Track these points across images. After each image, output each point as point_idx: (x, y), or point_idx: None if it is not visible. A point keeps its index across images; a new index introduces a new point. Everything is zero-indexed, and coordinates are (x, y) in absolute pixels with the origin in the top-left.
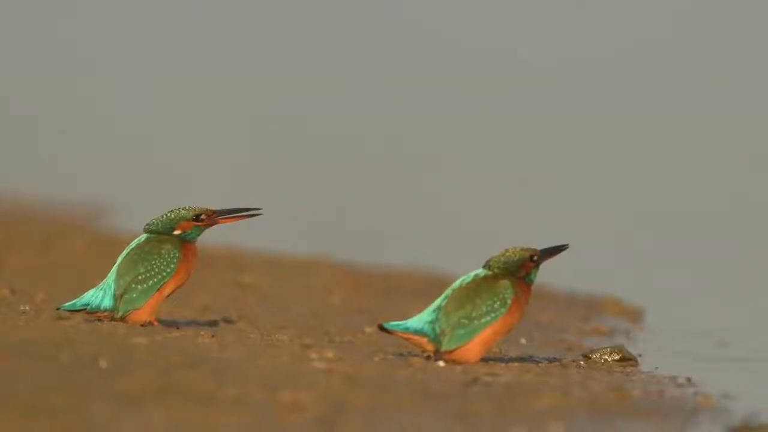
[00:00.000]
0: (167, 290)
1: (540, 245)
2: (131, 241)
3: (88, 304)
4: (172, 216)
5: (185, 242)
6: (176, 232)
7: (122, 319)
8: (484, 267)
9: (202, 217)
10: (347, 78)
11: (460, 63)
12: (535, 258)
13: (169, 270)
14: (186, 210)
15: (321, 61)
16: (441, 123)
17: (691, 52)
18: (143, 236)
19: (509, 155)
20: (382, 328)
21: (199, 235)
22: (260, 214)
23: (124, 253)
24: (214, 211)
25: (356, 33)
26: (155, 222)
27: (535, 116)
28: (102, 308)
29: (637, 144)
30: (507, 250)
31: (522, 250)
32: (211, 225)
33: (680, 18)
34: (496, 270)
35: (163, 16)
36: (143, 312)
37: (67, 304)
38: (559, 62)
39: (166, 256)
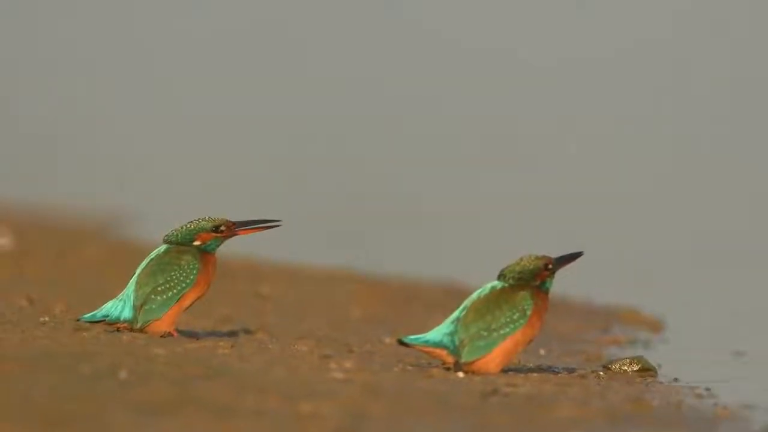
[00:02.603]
0: (187, 301)
1: (557, 255)
2: (149, 251)
3: (108, 315)
4: (192, 227)
5: (205, 253)
6: (196, 243)
7: (142, 330)
8: (498, 277)
9: (222, 228)
10: (351, 79)
11: (461, 63)
12: (550, 266)
13: (188, 281)
14: (206, 221)
15: (327, 62)
16: (447, 125)
17: (691, 52)
18: (163, 247)
19: (517, 157)
20: (401, 343)
21: (218, 246)
22: (280, 225)
23: (144, 263)
24: (234, 223)
25: (356, 33)
26: (175, 233)
27: (541, 118)
28: (122, 319)
29: (650, 148)
30: (521, 259)
31: (536, 258)
32: (231, 236)
33: (680, 18)
34: (510, 280)
35: (165, 17)
36: (163, 323)
37: (86, 315)
38: (560, 62)
39: (186, 267)
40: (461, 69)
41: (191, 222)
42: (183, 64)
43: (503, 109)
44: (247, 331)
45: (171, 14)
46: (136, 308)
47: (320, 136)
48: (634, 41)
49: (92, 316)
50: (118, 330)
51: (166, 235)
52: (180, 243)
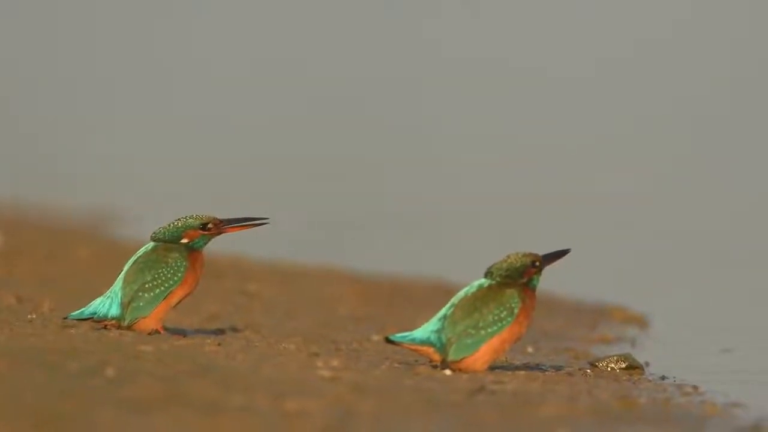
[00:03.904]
0: (174, 299)
1: (544, 252)
2: (137, 250)
3: (96, 313)
4: (179, 224)
5: (192, 251)
6: (183, 241)
7: (129, 328)
8: (485, 274)
9: (209, 225)
10: (345, 79)
11: (460, 69)
12: (537, 263)
13: (176, 278)
14: (193, 218)
15: (327, 63)
16: (444, 127)
17: (690, 53)
18: (150, 244)
19: (512, 159)
20: (388, 341)
21: (206, 243)
22: (267, 223)
23: (131, 261)
24: (221, 220)
25: (354, 33)
26: (162, 230)
27: (534, 120)
28: (109, 316)
29: (642, 149)
30: (508, 257)
31: (523, 255)
32: (218, 234)
33: (680, 20)
34: (498, 277)
35: (164, 16)
36: (150, 320)
37: (74, 313)
38: (556, 64)
39: (173, 264)
40: (461, 75)
41: (178, 219)
42: (178, 64)
43: (498, 109)
44: (235, 329)
45: (172, 14)
46: (124, 305)
47: (312, 135)
48: (634, 41)
49: (80, 313)
50: (105, 327)
51: (154, 233)
52: (167, 241)
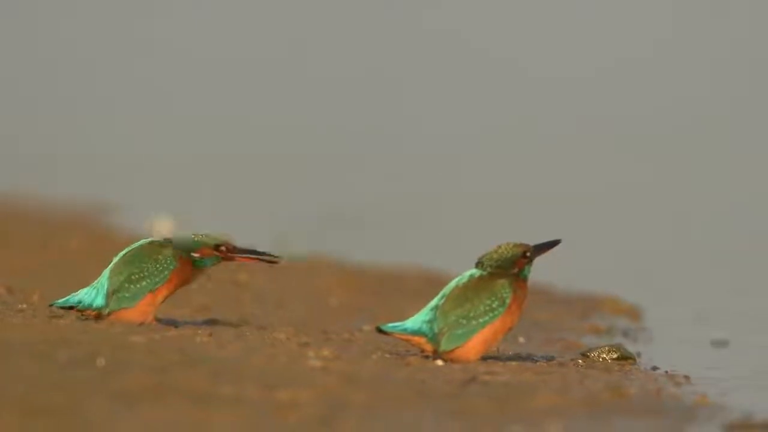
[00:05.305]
0: (160, 296)
1: (536, 243)
2: (131, 242)
3: (81, 302)
4: (196, 239)
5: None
6: (194, 255)
7: (109, 316)
8: (476, 265)
9: (222, 248)
10: (345, 78)
11: (457, 66)
12: (528, 254)
13: (162, 276)
14: (209, 237)
15: (320, 60)
16: (438, 124)
17: (671, 72)
18: (144, 240)
19: (505, 156)
20: (380, 330)
21: (213, 264)
22: (279, 261)
23: (122, 253)
24: (235, 246)
25: (352, 33)
26: (179, 239)
27: (530, 118)
28: (94, 306)
29: (635, 145)
30: (499, 247)
31: (514, 246)
32: (227, 259)
33: (661, 43)
34: (488, 268)
35: (160, 16)
36: (134, 312)
37: (59, 300)
38: (559, 65)
39: (162, 261)
40: (460, 77)
41: (196, 234)
42: (180, 63)
43: (496, 106)
44: (226, 320)
45: (169, 14)
46: (109, 295)
47: (304, 131)
48: (615, 60)
49: (65, 301)
50: (85, 318)
51: (171, 239)
52: (181, 249)
